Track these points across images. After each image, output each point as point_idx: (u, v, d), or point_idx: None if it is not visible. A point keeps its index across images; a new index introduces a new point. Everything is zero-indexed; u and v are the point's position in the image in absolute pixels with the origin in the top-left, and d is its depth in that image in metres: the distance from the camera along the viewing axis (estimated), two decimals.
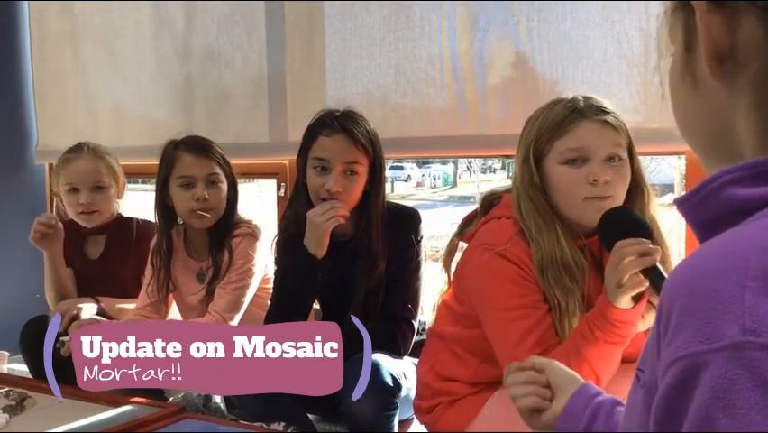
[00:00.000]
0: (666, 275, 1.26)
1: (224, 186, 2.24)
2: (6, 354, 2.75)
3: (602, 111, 1.53)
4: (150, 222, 2.60)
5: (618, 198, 1.53)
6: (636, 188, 1.58)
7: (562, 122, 1.53)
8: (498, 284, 1.55)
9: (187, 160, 2.20)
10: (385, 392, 1.78)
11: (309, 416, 2.03)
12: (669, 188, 6.18)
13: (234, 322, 2.18)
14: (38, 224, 2.34)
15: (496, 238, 1.58)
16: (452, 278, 1.75)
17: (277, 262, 2.10)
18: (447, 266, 1.76)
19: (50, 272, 2.40)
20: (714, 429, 0.48)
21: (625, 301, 1.39)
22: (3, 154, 3.26)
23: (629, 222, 1.40)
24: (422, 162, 19.05)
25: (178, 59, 2.94)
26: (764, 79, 0.61)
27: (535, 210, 1.54)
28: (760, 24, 0.60)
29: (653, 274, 1.32)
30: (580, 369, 1.36)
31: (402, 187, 18.19)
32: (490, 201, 1.72)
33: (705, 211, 0.62)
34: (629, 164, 1.55)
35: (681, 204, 0.65)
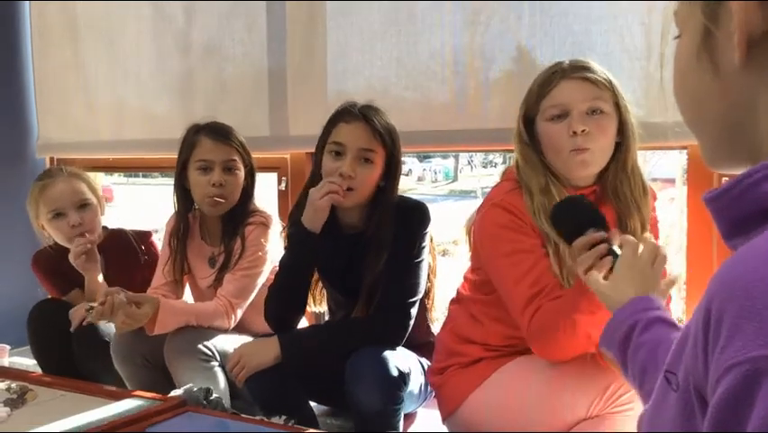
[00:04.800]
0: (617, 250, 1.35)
1: (241, 173, 2.25)
2: (7, 347, 2.75)
3: (582, 68, 1.65)
4: (142, 231, 2.63)
5: (599, 151, 1.63)
6: (623, 141, 1.67)
7: (545, 83, 1.67)
8: (495, 232, 1.67)
9: (206, 144, 2.22)
10: (391, 386, 1.80)
11: (318, 406, 2.06)
12: (670, 182, 6.16)
13: (242, 308, 2.19)
14: (77, 246, 2.30)
15: (495, 194, 1.74)
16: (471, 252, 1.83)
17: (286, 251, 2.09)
18: (469, 234, 1.84)
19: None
20: None
21: None
22: (4, 148, 3.25)
23: (580, 217, 1.42)
24: (423, 157, 19.03)
25: (178, 52, 2.94)
26: None
27: (526, 165, 1.69)
28: None
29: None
30: (574, 329, 1.47)
31: (403, 181, 18.14)
32: (504, 172, 1.83)
33: (739, 208, 0.60)
34: (616, 118, 1.65)
35: (713, 200, 0.62)
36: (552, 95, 1.65)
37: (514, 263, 1.62)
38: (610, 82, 1.65)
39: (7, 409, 1.57)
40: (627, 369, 1.12)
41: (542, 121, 1.67)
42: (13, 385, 1.75)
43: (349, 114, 1.97)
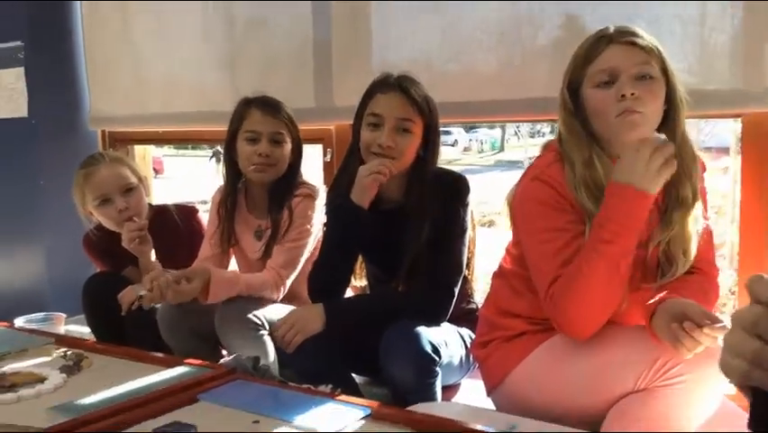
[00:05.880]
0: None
1: (288, 146, 2.28)
2: (63, 316, 2.83)
3: (629, 33, 1.61)
4: (188, 206, 2.68)
5: (650, 115, 1.59)
6: (672, 108, 1.63)
7: (592, 48, 1.63)
8: (532, 208, 1.65)
9: (255, 116, 2.26)
10: (424, 361, 1.79)
11: (357, 378, 2.07)
12: (725, 151, 6.00)
13: (290, 279, 2.23)
14: (129, 231, 2.36)
15: (536, 166, 1.70)
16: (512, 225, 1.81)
17: (327, 225, 2.12)
18: (511, 208, 1.80)
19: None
20: None
21: None
22: (57, 121, 3.33)
23: None
24: (469, 127, 18.87)
25: (225, 25, 2.95)
26: None
27: (570, 135, 1.65)
28: None
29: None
30: (586, 287, 1.48)
31: (449, 152, 18.08)
32: (546, 145, 1.79)
33: None
34: (664, 84, 1.61)
35: None
36: (599, 60, 1.61)
37: (546, 240, 1.60)
38: (657, 48, 1.61)
39: (63, 375, 1.61)
40: None
41: (588, 88, 1.63)
42: (69, 352, 1.80)
43: (385, 84, 1.97)
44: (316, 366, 1.88)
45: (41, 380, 1.58)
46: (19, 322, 2.65)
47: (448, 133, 17.72)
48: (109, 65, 3.29)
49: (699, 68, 2.04)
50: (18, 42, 3.26)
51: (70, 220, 2.61)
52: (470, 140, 20.68)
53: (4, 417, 1.37)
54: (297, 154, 2.32)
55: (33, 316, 2.79)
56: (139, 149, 3.47)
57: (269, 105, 2.28)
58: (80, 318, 2.62)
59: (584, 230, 1.58)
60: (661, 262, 1.65)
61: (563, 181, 1.61)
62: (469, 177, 2.06)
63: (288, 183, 2.29)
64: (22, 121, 3.29)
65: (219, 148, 2.40)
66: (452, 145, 19.04)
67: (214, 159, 14.51)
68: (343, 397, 1.46)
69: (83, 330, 2.64)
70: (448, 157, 16.83)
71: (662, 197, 1.64)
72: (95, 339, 2.40)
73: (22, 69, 3.26)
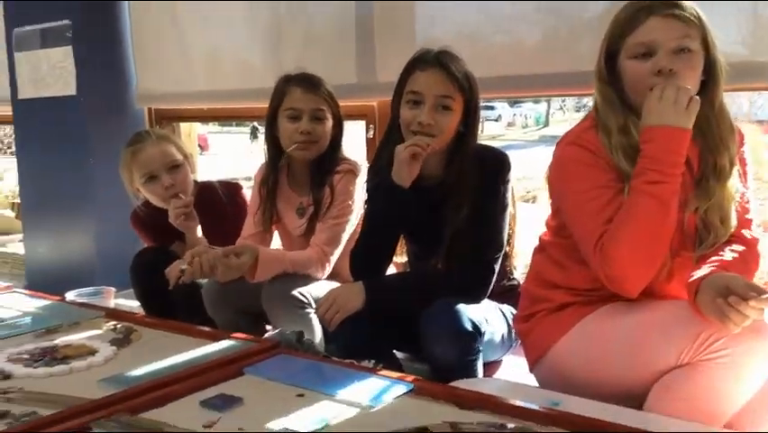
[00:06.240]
0: None
1: (329, 122, 2.29)
2: (113, 290, 2.90)
3: (671, 5, 1.58)
4: (232, 183, 2.71)
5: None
6: (710, 79, 1.62)
7: (631, 19, 1.61)
8: (572, 169, 1.66)
9: (296, 93, 2.27)
10: (465, 338, 1.80)
11: (399, 354, 2.08)
12: None
13: (334, 256, 2.24)
14: (176, 208, 2.40)
15: (571, 132, 1.72)
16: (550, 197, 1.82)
17: (368, 203, 2.12)
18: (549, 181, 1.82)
19: None
20: None
21: None
22: (104, 99, 3.38)
23: None
24: (513, 102, 18.63)
25: (268, 1, 2.95)
26: None
27: (605, 103, 1.65)
28: None
29: None
30: (639, 231, 1.51)
31: (492, 127, 17.87)
32: (587, 116, 1.78)
33: None
34: (702, 56, 1.59)
35: None
36: (638, 32, 1.58)
37: (590, 198, 1.60)
38: (699, 18, 1.57)
39: (114, 347, 1.65)
40: None
41: (626, 58, 1.61)
42: (119, 326, 1.84)
43: (424, 61, 1.93)
44: (358, 342, 1.89)
45: (92, 352, 1.62)
46: (70, 296, 2.71)
47: (491, 108, 17.51)
48: (156, 43, 3.33)
49: (752, 40, 1.98)
50: (66, 21, 3.31)
51: (119, 196, 2.66)
52: (515, 115, 20.42)
53: (57, 388, 1.41)
54: (338, 131, 2.32)
55: (84, 290, 2.85)
56: (184, 126, 3.51)
57: (309, 82, 2.28)
58: (129, 292, 2.67)
59: (623, 188, 1.57)
60: (699, 231, 1.63)
61: (600, 145, 1.61)
62: (512, 153, 2.04)
63: (329, 160, 2.29)
64: (70, 99, 3.35)
65: (257, 124, 2.41)
66: (496, 120, 18.81)
67: (252, 135, 14.59)
68: (386, 372, 1.47)
69: (132, 304, 2.70)
70: (492, 132, 16.63)
71: (697, 165, 1.63)
72: (143, 313, 2.45)
73: (70, 48, 3.32)
